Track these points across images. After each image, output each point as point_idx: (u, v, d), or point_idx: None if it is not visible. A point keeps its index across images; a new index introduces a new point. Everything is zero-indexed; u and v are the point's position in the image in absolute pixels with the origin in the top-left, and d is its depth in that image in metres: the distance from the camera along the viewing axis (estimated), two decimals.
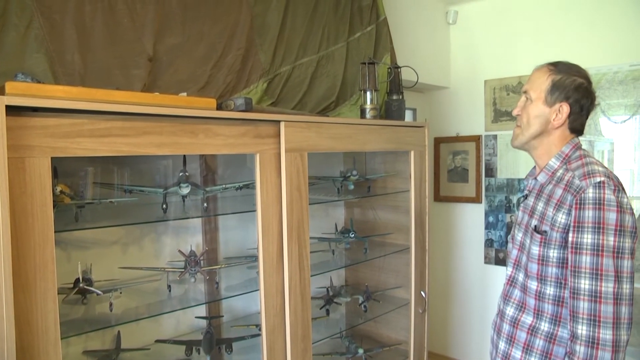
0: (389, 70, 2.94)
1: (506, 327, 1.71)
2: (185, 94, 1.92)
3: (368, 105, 2.68)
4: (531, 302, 1.63)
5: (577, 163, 1.60)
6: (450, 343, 4.28)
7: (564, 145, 1.65)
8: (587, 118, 1.67)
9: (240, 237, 2.50)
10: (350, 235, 2.75)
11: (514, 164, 3.78)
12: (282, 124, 2.01)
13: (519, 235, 1.74)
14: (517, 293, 1.71)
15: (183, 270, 2.07)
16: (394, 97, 2.87)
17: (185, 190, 1.98)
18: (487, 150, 3.92)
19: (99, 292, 1.82)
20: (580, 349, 1.45)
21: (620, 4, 3.24)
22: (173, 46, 2.09)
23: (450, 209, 4.21)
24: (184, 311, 2.21)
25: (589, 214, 1.46)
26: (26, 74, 1.47)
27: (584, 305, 1.45)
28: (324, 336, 2.61)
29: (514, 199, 3.80)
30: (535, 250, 1.60)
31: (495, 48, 3.83)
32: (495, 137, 3.85)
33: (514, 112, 1.73)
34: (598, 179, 1.48)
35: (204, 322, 2.32)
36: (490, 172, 3.92)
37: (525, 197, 1.77)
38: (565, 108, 1.61)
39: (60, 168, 1.70)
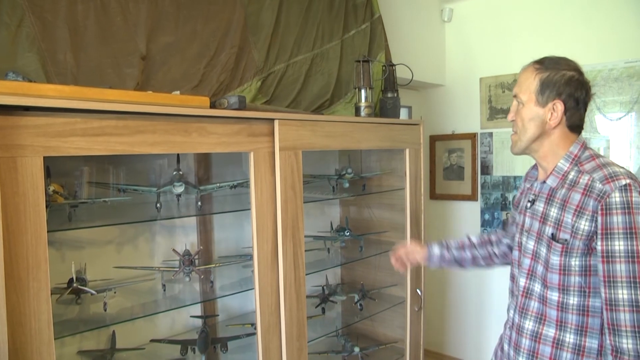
0: (384, 68, 2.94)
1: (526, 343, 1.60)
2: (178, 92, 1.91)
3: (363, 103, 2.67)
4: (553, 313, 1.53)
5: (590, 164, 1.52)
6: (446, 341, 4.28)
7: (571, 146, 1.57)
8: (585, 111, 1.58)
9: (235, 236, 2.49)
10: (346, 233, 2.74)
11: (509, 162, 3.78)
12: (276, 122, 2.00)
13: (529, 244, 1.62)
14: (534, 305, 1.59)
15: (177, 269, 2.06)
16: (389, 95, 2.87)
17: (179, 189, 1.97)
18: (482, 148, 3.92)
19: (93, 292, 1.82)
20: None
21: (615, 1, 3.25)
22: (166, 45, 2.08)
23: (446, 207, 4.21)
24: (179, 310, 2.21)
25: (618, 219, 1.38)
26: (17, 72, 1.46)
27: (625, 317, 1.37)
28: (319, 335, 2.60)
29: (510, 196, 3.80)
30: (556, 260, 1.51)
31: (490, 45, 3.83)
32: (490, 134, 3.85)
33: (509, 118, 1.65)
34: (623, 182, 1.40)
35: (199, 322, 2.32)
36: (486, 169, 3.93)
37: (533, 202, 1.65)
38: (559, 105, 1.52)
39: (54, 167, 1.70)
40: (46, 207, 1.47)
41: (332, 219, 3.01)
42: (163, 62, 2.07)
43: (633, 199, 1.38)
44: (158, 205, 1.99)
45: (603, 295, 1.42)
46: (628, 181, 1.40)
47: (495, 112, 3.81)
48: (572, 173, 1.54)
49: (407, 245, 2.15)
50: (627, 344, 1.37)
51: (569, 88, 1.52)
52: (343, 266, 3.14)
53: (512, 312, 1.71)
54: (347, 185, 2.73)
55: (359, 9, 2.98)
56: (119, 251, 2.14)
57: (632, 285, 1.37)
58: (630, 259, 1.37)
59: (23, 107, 1.37)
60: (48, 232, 1.44)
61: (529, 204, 1.66)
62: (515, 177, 3.74)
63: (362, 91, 2.69)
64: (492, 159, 3.88)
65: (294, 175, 2.07)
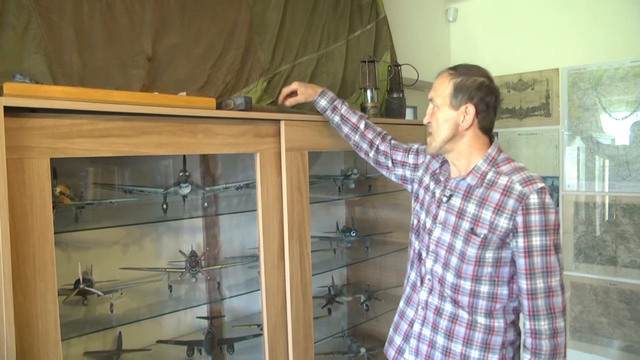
0: (389, 68, 2.93)
1: (444, 323, 1.72)
2: (184, 93, 1.91)
3: (368, 104, 2.67)
4: (465, 299, 1.67)
5: (507, 166, 1.64)
6: None
7: (490, 148, 1.69)
8: (495, 115, 1.71)
9: (241, 237, 2.49)
10: (352, 234, 2.74)
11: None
12: (282, 123, 2.00)
13: (445, 236, 1.72)
14: (448, 292, 1.71)
15: (184, 270, 2.06)
16: (395, 95, 2.86)
17: (186, 190, 1.97)
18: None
19: (100, 293, 1.82)
20: (545, 343, 1.57)
21: None
22: (172, 46, 2.08)
23: None
24: (185, 311, 2.21)
25: (535, 218, 1.54)
26: (24, 74, 1.46)
27: (542, 303, 1.56)
28: (325, 335, 2.60)
29: None
30: (473, 252, 1.63)
31: (495, 45, 3.82)
32: (496, 134, 3.83)
33: (424, 121, 1.76)
34: (540, 185, 1.56)
35: (205, 322, 2.31)
36: None
37: (449, 197, 1.73)
38: (471, 109, 1.63)
39: (60, 169, 1.70)
40: (53, 208, 1.47)
41: (338, 219, 3.01)
42: (169, 63, 2.07)
43: (546, 200, 1.55)
44: (164, 206, 2.00)
45: (524, 286, 1.58)
46: (542, 185, 1.57)
47: (501, 111, 3.80)
48: (490, 173, 1.65)
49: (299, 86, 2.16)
50: (544, 325, 1.56)
51: (480, 93, 1.64)
52: (349, 267, 3.13)
53: (425, 294, 1.79)
54: (352, 185, 2.73)
55: (364, 9, 2.97)
56: (125, 252, 2.14)
57: (545, 274, 1.56)
58: (544, 252, 1.55)
59: (30, 109, 1.37)
60: (55, 233, 1.44)
61: (444, 199, 1.75)
62: None
63: (368, 91, 2.68)
64: None
65: (300, 175, 2.07)
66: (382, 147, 2.09)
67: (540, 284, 1.56)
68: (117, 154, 1.57)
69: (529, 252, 1.56)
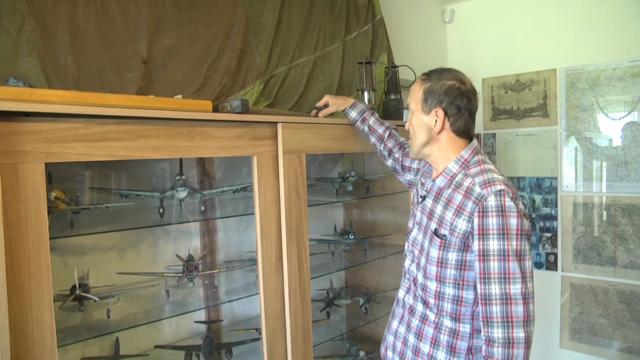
0: (386, 69, 2.92)
1: (416, 322, 1.74)
2: (180, 96, 1.89)
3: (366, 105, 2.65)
4: (431, 301, 1.68)
5: (476, 169, 1.64)
6: None
7: (463, 150, 1.69)
8: (470, 117, 1.69)
9: (238, 240, 2.48)
10: (350, 236, 2.73)
11: (513, 162, 3.76)
12: (279, 126, 1.99)
13: (419, 236, 1.75)
14: (419, 292, 1.74)
15: (181, 275, 2.05)
16: (392, 97, 2.85)
17: (182, 194, 1.96)
18: (485, 149, 3.89)
19: (96, 298, 1.80)
20: (497, 351, 1.50)
21: None
22: (167, 48, 2.07)
23: None
24: (183, 316, 2.19)
25: (492, 221, 1.51)
26: (18, 78, 1.44)
27: (496, 310, 1.50)
28: (324, 339, 2.59)
29: None
30: (435, 253, 1.64)
31: (492, 46, 3.81)
32: (494, 135, 3.83)
33: (405, 127, 1.81)
34: (499, 187, 1.53)
35: (203, 327, 2.30)
36: None
37: (424, 197, 1.77)
38: (440, 112, 1.65)
39: (55, 173, 1.68)
40: (48, 213, 1.45)
41: (336, 222, 2.99)
42: (164, 65, 2.06)
43: (506, 203, 1.51)
44: (161, 210, 1.98)
45: (479, 290, 1.55)
46: (502, 187, 1.53)
47: (498, 112, 3.79)
48: (459, 175, 1.66)
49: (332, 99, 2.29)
50: (497, 332, 1.50)
51: (448, 96, 1.64)
52: (347, 269, 3.11)
53: (403, 292, 1.85)
54: (350, 188, 2.71)
55: (360, 10, 2.96)
56: (122, 257, 2.13)
57: (503, 280, 1.50)
58: (501, 257, 1.50)
59: (24, 113, 1.36)
60: (50, 239, 1.43)
61: (420, 199, 1.79)
62: (518, 178, 3.72)
63: (365, 93, 2.67)
64: (495, 160, 3.85)
65: (298, 178, 2.05)
66: (396, 155, 2.15)
67: (495, 289, 1.50)
68: (112, 158, 1.56)
69: (484, 255, 1.52)
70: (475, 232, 1.53)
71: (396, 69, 2.91)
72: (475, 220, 1.53)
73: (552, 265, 3.53)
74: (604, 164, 3.31)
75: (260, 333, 2.02)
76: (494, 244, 1.50)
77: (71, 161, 1.47)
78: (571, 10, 3.39)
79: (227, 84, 2.25)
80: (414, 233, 1.80)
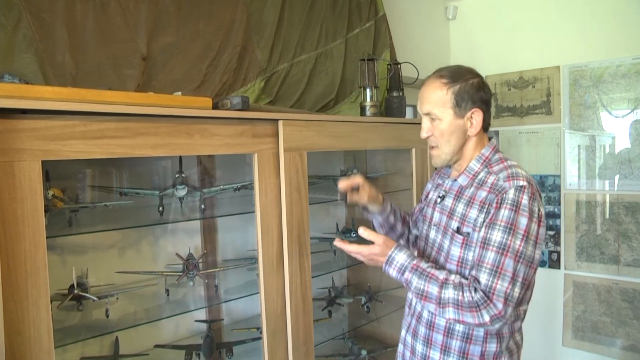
0: (389, 66, 2.90)
1: (422, 330, 1.69)
2: (180, 93, 1.87)
3: (368, 103, 2.64)
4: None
5: (499, 166, 1.61)
6: None
7: (484, 148, 1.66)
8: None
9: (239, 239, 2.46)
10: (352, 234, 2.70)
11: (515, 159, 3.71)
12: (281, 123, 1.96)
13: (437, 237, 1.70)
14: None
15: (181, 273, 2.03)
16: (394, 94, 2.83)
17: (182, 192, 1.94)
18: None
19: (94, 298, 1.79)
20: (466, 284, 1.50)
21: None
22: (167, 45, 2.05)
23: None
24: (183, 315, 2.17)
25: (504, 213, 1.48)
26: (13, 75, 1.42)
27: (480, 295, 1.45)
28: (326, 338, 2.57)
29: None
30: (456, 251, 1.59)
31: (495, 43, 3.78)
32: (497, 133, 3.80)
33: (423, 135, 1.68)
34: (521, 183, 1.51)
35: (203, 326, 2.28)
36: None
37: (443, 197, 1.72)
38: (478, 113, 1.60)
39: (53, 171, 1.66)
40: (46, 212, 1.44)
41: (338, 220, 2.97)
42: (164, 62, 2.04)
43: (522, 200, 1.48)
44: (160, 208, 1.96)
45: (471, 273, 1.51)
46: (524, 183, 1.51)
47: (502, 110, 3.76)
48: (482, 174, 1.62)
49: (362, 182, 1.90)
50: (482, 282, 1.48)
51: (480, 94, 1.60)
52: (349, 268, 3.09)
53: (414, 299, 1.76)
54: None
55: (363, 7, 2.94)
56: (121, 256, 2.11)
57: (495, 274, 1.45)
58: (501, 251, 1.46)
59: (20, 110, 1.34)
60: (47, 237, 1.41)
61: (439, 200, 1.73)
62: None
63: (367, 90, 2.65)
64: None
65: (299, 176, 2.03)
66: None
67: (483, 279, 1.46)
68: (111, 156, 1.53)
69: (485, 243, 1.49)
70: (487, 220, 1.51)
71: (399, 66, 2.89)
72: (492, 210, 1.51)
73: (555, 264, 3.50)
74: (608, 162, 3.29)
75: (261, 332, 2.01)
76: (497, 235, 1.47)
77: (69, 159, 1.45)
78: (575, 6, 3.36)
79: (228, 81, 2.23)
80: (431, 235, 1.74)
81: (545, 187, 3.54)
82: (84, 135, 1.46)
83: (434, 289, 1.51)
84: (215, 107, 1.84)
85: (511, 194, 1.49)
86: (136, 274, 2.07)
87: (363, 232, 1.61)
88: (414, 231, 1.99)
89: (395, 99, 2.80)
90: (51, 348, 1.40)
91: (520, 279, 1.46)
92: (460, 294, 1.47)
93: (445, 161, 1.68)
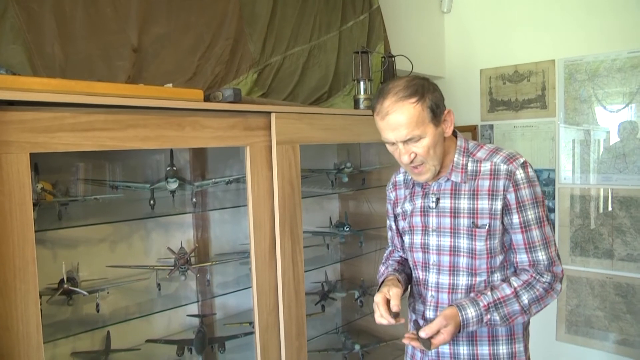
0: (383, 59, 2.88)
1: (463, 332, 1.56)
2: (170, 85, 1.84)
3: (362, 96, 2.62)
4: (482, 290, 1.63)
5: (482, 151, 1.64)
6: None
7: (458, 140, 1.66)
8: None
9: (232, 233, 2.44)
10: (345, 228, 2.70)
11: None
12: (273, 116, 1.95)
13: (444, 241, 1.63)
14: (460, 296, 1.62)
15: (173, 268, 2.01)
16: None
17: (173, 185, 1.92)
18: (483, 140, 3.86)
19: (85, 292, 1.76)
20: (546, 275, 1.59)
21: None
22: (159, 36, 2.02)
23: None
24: (175, 310, 2.16)
25: (525, 192, 1.56)
26: (0, 65, 1.40)
27: (547, 275, 1.57)
28: (319, 332, 2.56)
29: None
30: (482, 245, 1.59)
31: (490, 36, 3.76)
32: (491, 127, 3.79)
33: (406, 161, 1.55)
34: (521, 160, 1.59)
35: (196, 321, 2.27)
36: None
37: (437, 200, 1.65)
38: (449, 113, 1.59)
39: (43, 164, 1.64)
40: (35, 205, 1.41)
41: (331, 214, 2.96)
42: (155, 54, 2.01)
43: (530, 173, 1.58)
44: (152, 202, 1.94)
45: (526, 259, 1.59)
46: (523, 159, 1.60)
47: (496, 104, 3.75)
48: (470, 165, 1.63)
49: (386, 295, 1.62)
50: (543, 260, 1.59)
51: (439, 93, 1.58)
52: (343, 262, 3.09)
53: (431, 312, 1.69)
54: (346, 179, 2.68)
55: None
56: (112, 249, 2.09)
57: (545, 245, 1.58)
58: (539, 225, 1.57)
59: (7, 102, 1.31)
60: (37, 231, 1.39)
61: (433, 204, 1.67)
62: None
63: (361, 83, 2.63)
64: None
65: (292, 169, 2.02)
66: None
67: (541, 255, 1.57)
68: (101, 149, 1.52)
69: (526, 226, 1.57)
70: (513, 205, 1.56)
71: (393, 58, 2.87)
72: (512, 195, 1.55)
73: None
74: (602, 156, 3.28)
75: (253, 327, 2.00)
76: (531, 214, 1.56)
77: (59, 152, 1.43)
78: (570, 0, 3.35)
79: (220, 73, 2.21)
80: (433, 242, 1.66)
81: (540, 182, 3.51)
82: (73, 127, 1.44)
83: (514, 308, 1.55)
84: (206, 99, 1.82)
85: (521, 173, 1.56)
86: (127, 268, 2.06)
87: (426, 333, 1.48)
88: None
89: None
90: (40, 343, 1.38)
91: (553, 236, 1.61)
92: (534, 290, 1.56)
93: (434, 173, 1.61)
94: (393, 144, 1.57)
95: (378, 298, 1.59)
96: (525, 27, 3.55)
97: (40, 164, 1.60)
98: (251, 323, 2.07)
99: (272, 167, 1.96)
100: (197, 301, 2.28)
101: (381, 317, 1.56)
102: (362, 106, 2.60)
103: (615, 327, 3.24)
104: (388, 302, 1.58)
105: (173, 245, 2.12)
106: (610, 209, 3.25)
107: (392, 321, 1.55)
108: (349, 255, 2.89)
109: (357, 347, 2.67)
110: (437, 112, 1.54)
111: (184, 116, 1.69)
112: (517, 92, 3.63)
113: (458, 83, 3.97)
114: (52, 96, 1.37)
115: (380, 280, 1.80)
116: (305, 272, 2.12)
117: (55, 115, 1.40)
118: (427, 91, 1.53)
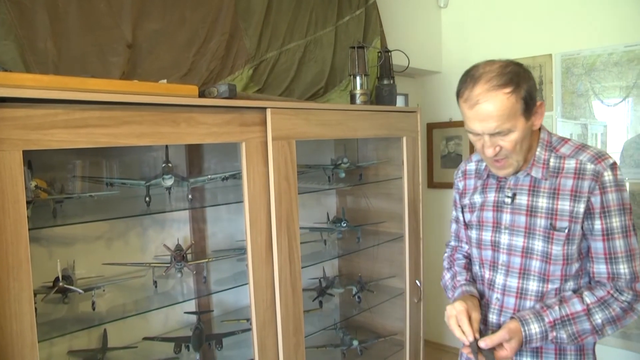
0: (379, 54, 2.87)
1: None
2: (165, 81, 1.83)
3: (358, 91, 2.61)
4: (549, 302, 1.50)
5: (565, 147, 1.50)
6: (446, 331, 4.23)
7: (541, 132, 1.53)
8: None
9: (228, 229, 2.43)
10: (342, 224, 2.68)
11: None
12: (269, 111, 1.93)
13: (517, 240, 1.53)
14: (530, 304, 1.53)
15: (169, 265, 2.00)
16: (385, 82, 2.80)
17: (169, 181, 1.90)
18: None
19: (80, 290, 1.75)
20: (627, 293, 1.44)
21: None
22: (153, 32, 2.01)
23: (444, 196, 4.15)
24: (172, 307, 2.15)
25: (612, 196, 1.42)
26: None
27: (627, 293, 1.43)
28: (317, 328, 2.55)
29: None
30: (559, 250, 1.46)
31: (487, 31, 3.75)
32: None
33: (490, 154, 1.45)
34: (611, 161, 1.44)
35: (193, 318, 2.26)
36: None
37: (514, 195, 1.54)
38: (541, 105, 1.45)
39: (37, 162, 1.63)
40: (29, 203, 1.40)
41: (328, 209, 2.95)
42: (150, 50, 2.00)
43: (618, 177, 1.43)
44: (147, 199, 1.93)
45: (604, 270, 1.45)
46: (613, 160, 1.45)
47: None
48: (552, 160, 1.50)
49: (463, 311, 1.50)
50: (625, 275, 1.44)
51: (533, 83, 1.45)
52: (340, 258, 3.08)
53: (494, 317, 1.60)
54: (343, 175, 2.67)
55: None
56: (108, 247, 2.08)
57: (629, 258, 1.43)
58: (624, 234, 1.43)
59: None
60: (31, 229, 1.37)
61: (508, 200, 1.56)
62: None
63: (358, 78, 2.62)
64: None
65: (288, 165, 2.01)
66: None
67: (624, 269, 1.42)
68: (95, 145, 1.50)
69: (608, 234, 1.42)
70: (597, 209, 1.42)
71: (389, 53, 2.86)
72: (597, 198, 1.42)
73: None
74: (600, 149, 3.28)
75: (250, 323, 1.98)
76: (616, 221, 1.42)
77: (52, 149, 1.41)
78: None
79: (216, 68, 2.20)
80: (504, 240, 1.57)
81: None
82: (66, 124, 1.42)
83: (584, 327, 1.43)
84: (201, 95, 1.81)
85: (610, 175, 1.41)
86: (124, 266, 2.04)
87: (486, 343, 1.40)
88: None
89: (385, 87, 2.77)
90: (34, 342, 1.37)
91: (639, 249, 1.46)
92: (609, 310, 1.43)
93: (517, 168, 1.51)
94: (478, 134, 1.45)
95: (460, 307, 1.47)
96: (522, 21, 3.55)
97: (34, 161, 1.59)
98: (248, 320, 2.07)
99: (268, 162, 1.94)
100: (195, 298, 2.27)
101: (462, 333, 1.44)
102: (358, 101, 2.59)
103: None
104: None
105: (169, 242, 2.11)
106: None
107: (470, 340, 1.43)
108: (346, 251, 2.88)
109: (355, 343, 2.66)
110: (530, 104, 1.40)
111: (179, 112, 1.68)
112: None
113: (455, 78, 3.89)
114: (45, 93, 1.36)
115: (455, 294, 1.66)
116: (302, 268, 2.11)
117: (48, 112, 1.39)
118: (522, 80, 1.39)
